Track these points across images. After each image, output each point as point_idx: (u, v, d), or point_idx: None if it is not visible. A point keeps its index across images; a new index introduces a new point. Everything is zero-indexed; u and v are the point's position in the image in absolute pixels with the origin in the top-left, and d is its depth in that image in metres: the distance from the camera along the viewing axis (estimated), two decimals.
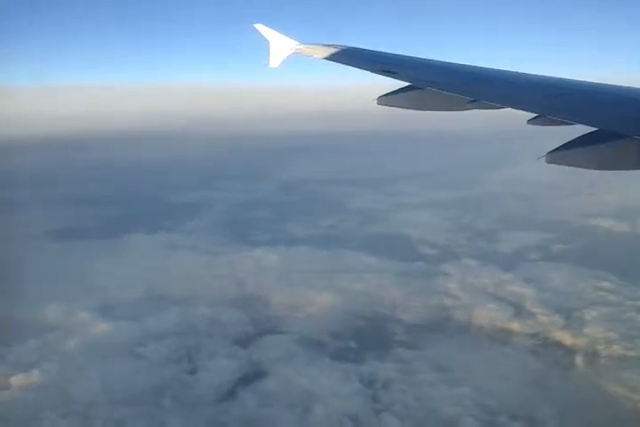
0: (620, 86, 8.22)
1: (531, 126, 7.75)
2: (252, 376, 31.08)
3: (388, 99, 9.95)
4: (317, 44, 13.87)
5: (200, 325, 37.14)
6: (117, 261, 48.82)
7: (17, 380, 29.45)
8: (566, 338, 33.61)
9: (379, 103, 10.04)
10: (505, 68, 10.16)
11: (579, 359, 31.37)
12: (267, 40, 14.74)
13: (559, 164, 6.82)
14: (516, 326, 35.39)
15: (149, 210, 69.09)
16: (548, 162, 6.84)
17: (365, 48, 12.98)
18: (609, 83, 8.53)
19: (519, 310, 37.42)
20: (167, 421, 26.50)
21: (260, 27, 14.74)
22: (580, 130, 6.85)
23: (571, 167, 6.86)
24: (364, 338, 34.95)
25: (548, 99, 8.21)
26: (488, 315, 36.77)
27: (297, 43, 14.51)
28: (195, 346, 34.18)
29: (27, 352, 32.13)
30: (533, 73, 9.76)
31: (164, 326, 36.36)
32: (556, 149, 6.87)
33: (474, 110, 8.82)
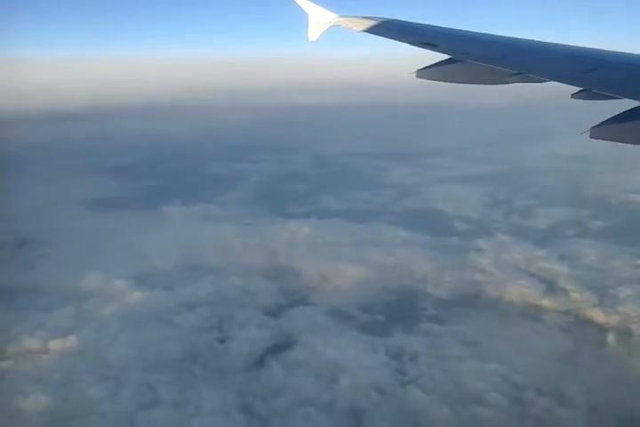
0: None
1: (574, 100, 7.62)
2: (281, 346, 31.56)
3: (427, 72, 9.85)
4: (356, 17, 13.76)
5: (232, 294, 37.73)
6: (154, 231, 49.74)
7: (55, 344, 30.53)
8: (599, 316, 33.15)
9: (418, 76, 9.92)
10: (549, 40, 9.92)
11: (611, 337, 30.93)
12: (306, 13, 14.67)
13: (603, 139, 6.74)
14: (547, 302, 35.02)
15: (185, 181, 70.07)
16: (592, 137, 6.78)
17: (405, 20, 12.79)
18: None
19: (551, 287, 36.97)
20: (197, 387, 27.18)
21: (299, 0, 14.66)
22: (625, 104, 6.71)
23: (614, 142, 6.74)
24: (392, 312, 35.11)
25: (593, 72, 7.95)
26: (519, 291, 36.44)
27: (336, 15, 14.41)
28: (226, 315, 34.80)
29: (64, 318, 33.23)
30: (578, 44, 9.48)
31: (197, 296, 37.07)
32: (601, 123, 6.80)
33: (516, 84, 8.68)
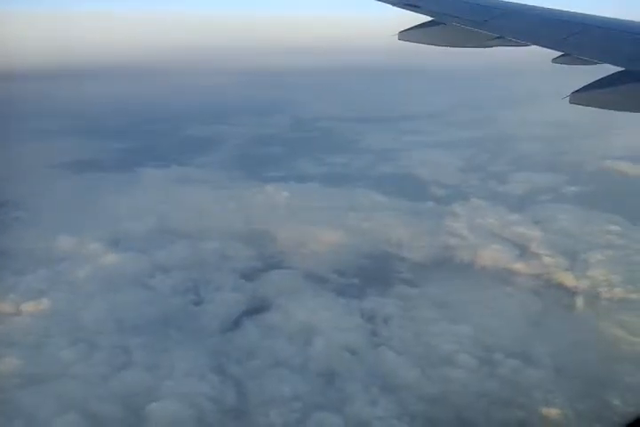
0: None
1: (556, 65, 7.58)
2: (257, 309, 31.78)
3: (409, 34, 9.64)
4: None
5: (208, 258, 37.73)
6: (130, 194, 49.25)
7: (27, 307, 30.41)
8: (569, 280, 33.78)
9: (400, 38, 9.72)
10: (532, 3, 9.76)
11: (579, 301, 31.62)
12: None
13: (583, 104, 6.66)
14: (519, 266, 35.57)
15: (162, 144, 69.08)
16: (572, 102, 6.70)
17: None
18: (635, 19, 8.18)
19: (524, 251, 37.52)
20: (172, 349, 27.34)
21: None
22: (607, 69, 6.66)
23: (595, 108, 6.69)
24: (368, 275, 35.41)
25: (574, 37, 7.80)
26: (493, 255, 36.91)
27: None
28: (202, 279, 34.86)
29: (37, 281, 33.02)
30: (561, 8, 9.30)
31: (172, 259, 37.01)
32: (581, 88, 6.70)
33: (498, 47, 8.58)
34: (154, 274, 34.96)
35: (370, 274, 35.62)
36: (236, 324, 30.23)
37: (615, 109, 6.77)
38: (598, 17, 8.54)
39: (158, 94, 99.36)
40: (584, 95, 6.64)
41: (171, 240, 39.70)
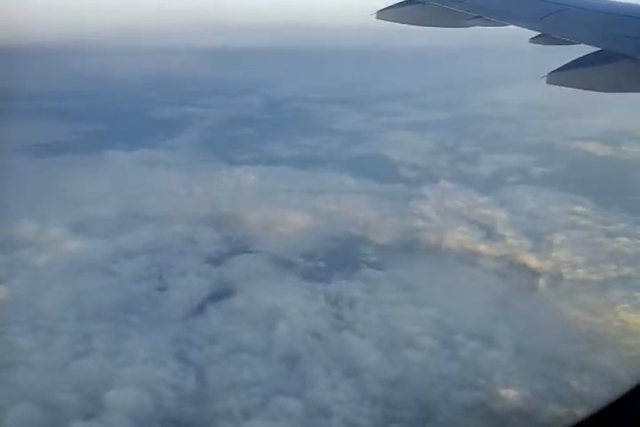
0: (624, 3, 7.91)
1: (534, 45, 7.56)
2: (222, 294, 31.59)
3: (387, 13, 9.60)
4: None
5: (173, 243, 37.36)
6: (94, 177, 48.33)
7: None
8: (533, 261, 34.05)
9: (378, 17, 9.66)
10: None
11: (542, 282, 31.91)
12: None
13: (560, 84, 6.69)
14: (484, 248, 35.76)
15: (129, 126, 67.83)
16: (549, 82, 6.70)
17: None
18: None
19: (490, 233, 37.71)
20: (133, 336, 27.08)
21: None
22: (584, 50, 6.64)
23: (571, 88, 6.73)
24: (334, 258, 35.34)
25: (551, 16, 7.79)
26: (458, 237, 37.05)
27: None
28: (167, 264, 34.47)
29: None
30: None
31: (137, 244, 36.52)
32: (558, 69, 6.72)
33: (476, 27, 8.56)
34: (117, 259, 34.49)
35: (336, 257, 35.57)
36: (199, 309, 30.03)
37: (591, 90, 6.78)
38: None
39: (123, 75, 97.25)
40: (561, 75, 6.67)
41: (136, 225, 39.14)
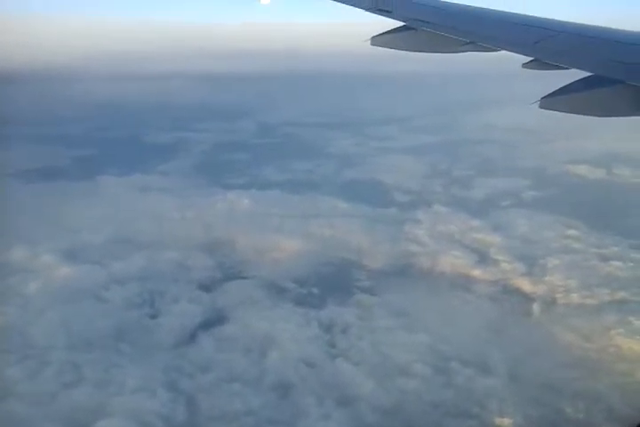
0: (615, 29, 8.01)
1: (527, 70, 7.67)
2: (214, 321, 31.31)
3: (381, 39, 9.71)
4: None
5: (166, 269, 37.12)
6: (88, 203, 48.27)
7: None
8: (526, 285, 33.96)
9: (372, 44, 9.80)
10: (503, 9, 9.85)
11: (536, 307, 31.77)
12: None
13: (553, 109, 6.76)
14: (477, 272, 35.67)
15: (124, 151, 67.97)
16: (542, 107, 6.77)
17: None
18: (604, 25, 8.31)
19: (483, 257, 37.67)
20: (123, 365, 26.76)
21: None
22: (577, 75, 6.77)
23: (564, 113, 6.78)
24: (327, 284, 35.16)
25: (543, 42, 7.95)
26: (452, 261, 36.98)
27: None
28: (159, 290, 34.24)
29: None
30: (531, 14, 9.44)
31: (129, 270, 36.32)
32: (550, 94, 6.79)
33: (469, 52, 8.63)
34: (109, 286, 34.26)
35: (329, 283, 35.38)
36: (191, 337, 29.72)
37: (583, 114, 6.85)
38: (567, 22, 8.71)
39: (117, 100, 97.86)
40: (553, 100, 6.75)
41: (128, 251, 38.96)
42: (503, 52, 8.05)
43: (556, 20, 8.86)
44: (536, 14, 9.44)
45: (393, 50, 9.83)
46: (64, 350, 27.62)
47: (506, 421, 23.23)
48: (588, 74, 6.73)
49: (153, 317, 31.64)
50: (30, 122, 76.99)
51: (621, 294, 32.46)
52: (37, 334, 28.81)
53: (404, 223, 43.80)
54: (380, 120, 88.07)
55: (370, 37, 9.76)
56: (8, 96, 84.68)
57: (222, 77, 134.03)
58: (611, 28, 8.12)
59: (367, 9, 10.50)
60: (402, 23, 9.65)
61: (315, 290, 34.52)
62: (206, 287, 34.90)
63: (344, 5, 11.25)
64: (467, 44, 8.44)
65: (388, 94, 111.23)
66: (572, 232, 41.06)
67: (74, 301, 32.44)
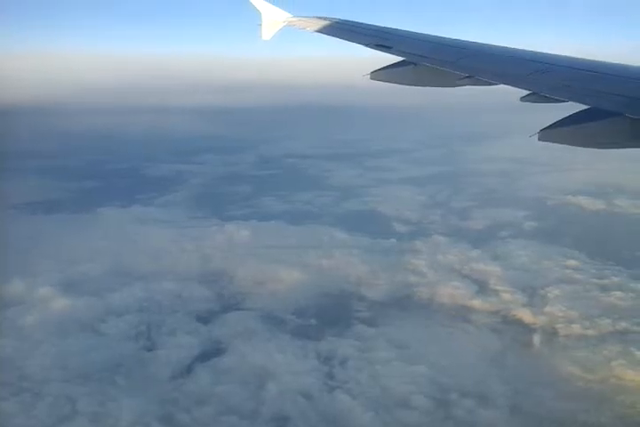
0: (612, 63, 8.18)
1: (525, 103, 7.77)
2: (211, 353, 31.01)
3: (381, 74, 9.96)
4: (311, 17, 13.86)
5: (164, 301, 36.92)
6: (87, 235, 48.35)
7: None
8: (526, 316, 33.68)
9: (372, 78, 10.04)
10: (499, 44, 10.14)
11: (536, 338, 31.47)
12: (259, 12, 14.63)
13: (551, 141, 6.85)
14: (477, 303, 35.42)
15: (124, 183, 68.37)
16: (540, 139, 6.86)
17: (360, 21, 12.77)
18: (599, 59, 8.51)
19: (483, 288, 37.46)
20: (119, 398, 26.39)
21: None
22: (574, 107, 6.86)
23: (562, 145, 6.91)
24: (326, 315, 34.89)
25: (540, 75, 8.11)
26: (451, 292, 36.77)
27: (290, 15, 14.51)
28: (156, 322, 34.01)
29: None
30: (528, 49, 9.68)
31: (126, 302, 36.14)
32: (549, 126, 6.90)
33: (467, 86, 8.80)
34: (106, 319, 34.03)
35: (328, 314, 35.12)
36: (188, 370, 29.38)
37: (581, 146, 6.94)
38: (563, 56, 8.92)
39: (118, 133, 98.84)
40: (552, 132, 6.84)
41: (126, 283, 38.82)
42: (501, 85, 8.19)
43: (552, 54, 9.08)
44: (532, 49, 9.68)
45: (393, 84, 10.00)
46: (59, 383, 27.32)
47: None
48: (585, 107, 6.83)
49: (150, 349, 31.37)
50: (32, 155, 77.58)
51: (622, 325, 32.18)
52: (33, 367, 28.55)
53: (404, 254, 43.73)
54: (380, 152, 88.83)
55: (369, 72, 10.00)
56: (10, 129, 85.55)
57: (223, 111, 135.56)
58: (606, 62, 8.26)
59: (367, 45, 10.74)
60: (400, 58, 9.85)
61: (313, 321, 34.27)
62: (204, 319, 34.64)
63: (344, 41, 11.50)
64: (465, 78, 8.59)
65: (387, 127, 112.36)
66: (572, 262, 40.94)
67: (70, 333, 32.23)
